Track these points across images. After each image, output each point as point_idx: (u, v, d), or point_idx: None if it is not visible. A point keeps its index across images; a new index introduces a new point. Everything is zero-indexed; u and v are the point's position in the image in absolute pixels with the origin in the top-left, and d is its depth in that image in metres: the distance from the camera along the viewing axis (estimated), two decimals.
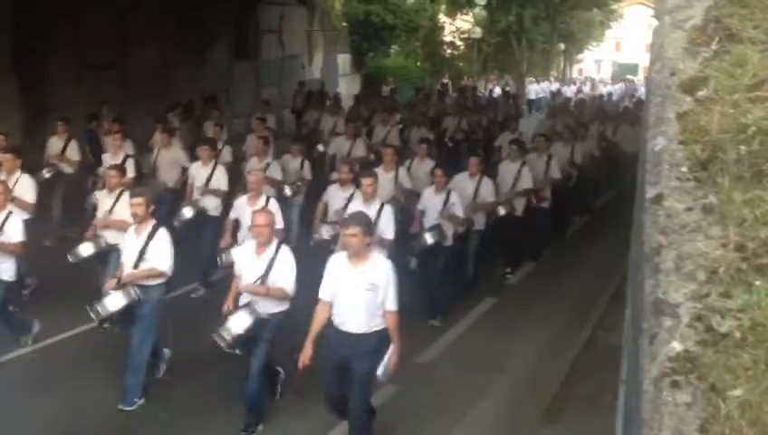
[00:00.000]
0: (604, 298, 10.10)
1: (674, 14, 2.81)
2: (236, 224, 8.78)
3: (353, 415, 6.07)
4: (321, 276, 6.18)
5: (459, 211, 9.36)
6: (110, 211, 8.43)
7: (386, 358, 5.85)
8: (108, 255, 8.39)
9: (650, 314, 1.86)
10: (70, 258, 8.41)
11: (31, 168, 9.95)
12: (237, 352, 6.66)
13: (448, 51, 38.25)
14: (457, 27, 38.97)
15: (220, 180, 10.16)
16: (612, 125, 17.91)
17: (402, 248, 9.01)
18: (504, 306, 10.04)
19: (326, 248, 8.45)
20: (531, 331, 9.23)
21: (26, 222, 8.17)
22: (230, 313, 6.53)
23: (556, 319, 9.66)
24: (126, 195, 8.06)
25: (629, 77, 47.02)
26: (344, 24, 27.59)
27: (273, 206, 8.32)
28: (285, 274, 6.54)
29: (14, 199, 8.38)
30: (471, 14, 38.69)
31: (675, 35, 2.71)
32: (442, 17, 37.69)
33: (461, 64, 38.21)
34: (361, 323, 5.88)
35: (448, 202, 9.29)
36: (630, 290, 3.31)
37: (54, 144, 11.70)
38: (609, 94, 34.87)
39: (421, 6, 31.22)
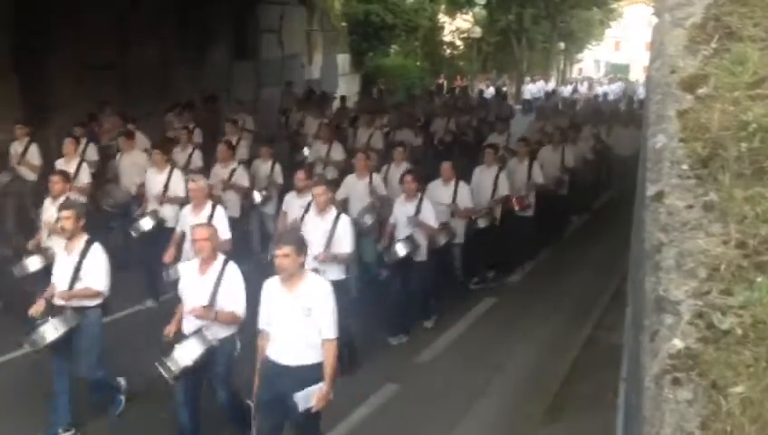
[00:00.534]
0: (604, 297, 10.09)
1: (674, 12, 2.82)
2: (184, 236, 7.99)
3: None
4: None
5: (431, 220, 8.67)
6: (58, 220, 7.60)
7: (313, 387, 5.19)
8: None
9: (651, 312, 1.86)
10: (15, 272, 7.82)
11: None
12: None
13: (448, 50, 38.25)
14: (457, 27, 38.99)
15: (178, 187, 9.34)
16: (606, 127, 17.37)
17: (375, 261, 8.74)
18: (503, 305, 10.03)
19: None
20: (531, 330, 9.22)
21: None
22: (176, 340, 5.92)
23: (556, 318, 9.65)
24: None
25: (622, 76, 46.63)
26: (344, 23, 27.57)
27: (219, 215, 7.81)
28: (234, 294, 5.91)
29: None
30: (471, 13, 38.72)
31: (675, 33, 2.71)
32: (442, 17, 37.68)
33: (461, 64, 38.20)
34: (299, 353, 5.25)
35: (420, 211, 8.65)
36: (631, 288, 3.31)
37: (15, 148, 11.17)
38: (606, 94, 33.75)
39: (421, 6, 31.19)
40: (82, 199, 9.41)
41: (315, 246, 7.14)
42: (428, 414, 7.07)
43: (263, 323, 5.42)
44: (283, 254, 5.16)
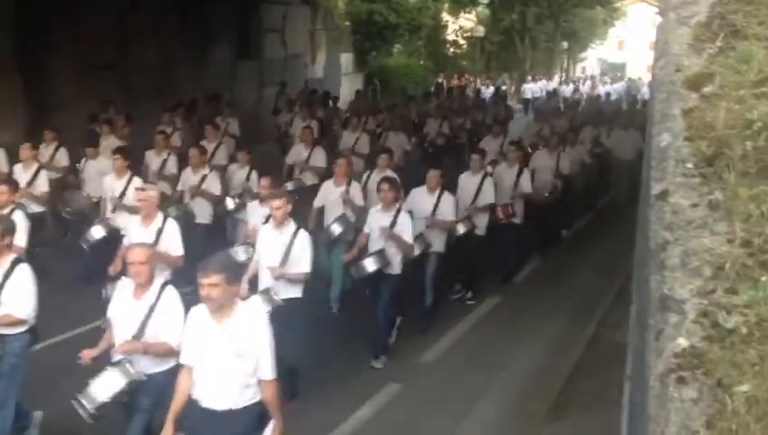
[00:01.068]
0: (608, 296, 10.08)
1: (678, 10, 2.81)
2: None
3: None
4: None
5: (407, 234, 7.97)
6: None
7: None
8: None
9: (656, 311, 1.86)
10: None
11: None
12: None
13: (451, 49, 38.25)
14: (460, 26, 38.98)
15: None
16: (607, 128, 16.61)
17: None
18: (506, 305, 10.02)
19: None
20: (534, 329, 9.22)
21: None
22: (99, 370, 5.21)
23: (559, 317, 9.64)
24: (17, 213, 7.23)
25: (620, 75, 46.23)
26: (347, 23, 27.59)
27: (171, 229, 7.16)
28: (169, 324, 5.20)
29: None
30: (474, 12, 38.72)
31: (680, 32, 2.70)
32: (445, 16, 37.72)
33: (464, 63, 38.21)
34: (227, 397, 4.54)
35: (396, 223, 7.98)
36: (636, 286, 3.30)
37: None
38: (608, 94, 32.76)
39: (424, 5, 31.21)
40: (39, 208, 9.27)
41: (270, 262, 6.83)
42: (431, 413, 7.07)
43: (186, 357, 4.71)
44: (210, 283, 4.43)
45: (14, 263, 5.69)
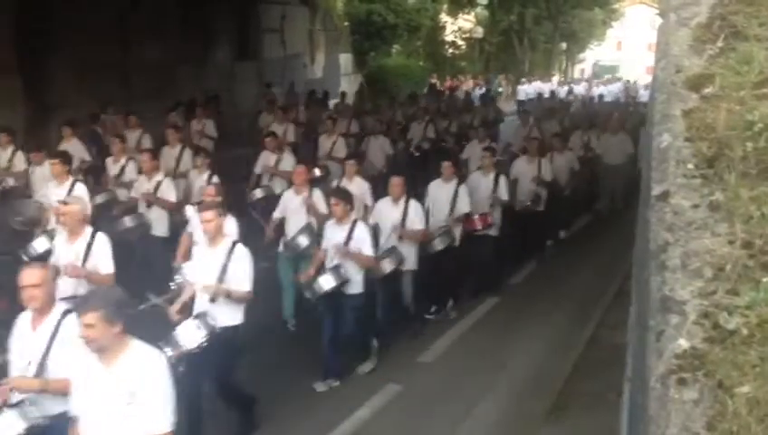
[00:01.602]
0: (607, 297, 10.07)
1: (679, 11, 2.81)
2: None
3: None
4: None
5: (367, 248, 7.45)
6: None
7: None
8: None
9: (657, 312, 1.86)
10: None
11: None
12: None
13: (450, 50, 38.29)
14: (459, 27, 39.03)
15: None
16: (597, 132, 15.64)
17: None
18: (505, 305, 10.01)
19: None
20: (533, 329, 9.21)
21: None
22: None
23: (558, 318, 9.64)
24: None
25: (611, 76, 45.62)
26: (346, 23, 27.63)
27: (100, 245, 6.33)
28: (71, 356, 4.47)
29: None
30: (473, 13, 38.75)
31: (680, 33, 2.70)
32: (444, 17, 37.78)
33: (462, 64, 38.25)
34: None
35: (352, 237, 7.43)
36: (636, 287, 3.30)
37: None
38: (601, 96, 30.70)
39: (423, 6, 31.25)
40: None
41: (205, 283, 6.19)
42: (430, 414, 7.07)
43: (74, 407, 4.12)
44: (86, 323, 3.89)
45: None
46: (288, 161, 11.04)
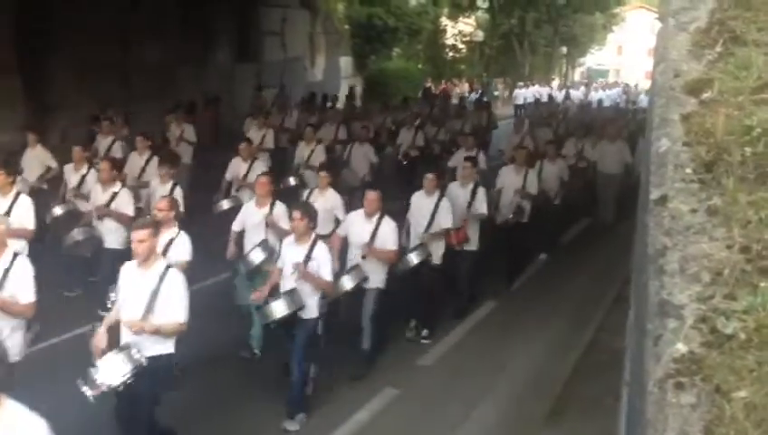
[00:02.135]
0: (605, 301, 10.08)
1: (678, 16, 2.81)
2: None
3: None
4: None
5: (325, 270, 6.77)
6: None
7: None
8: None
9: (655, 316, 1.86)
10: None
11: None
12: None
13: (450, 54, 38.33)
14: (459, 30, 39.07)
15: (22, 216, 7.56)
16: (593, 139, 14.98)
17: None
18: (504, 309, 10.02)
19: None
20: (531, 333, 9.22)
21: None
22: None
23: (557, 322, 9.64)
24: None
25: (603, 81, 45.16)
26: (347, 26, 27.65)
27: (19, 270, 5.62)
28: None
29: None
30: (473, 17, 38.80)
31: (679, 38, 2.71)
32: (444, 20, 37.79)
33: (463, 67, 38.29)
34: None
35: (311, 257, 6.75)
36: (634, 291, 3.31)
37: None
38: (600, 101, 29.30)
39: (423, 9, 31.30)
40: None
41: (132, 310, 5.56)
42: (429, 418, 7.07)
43: None
44: None
45: None
46: (259, 170, 10.18)
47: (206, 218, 9.66)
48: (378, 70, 29.49)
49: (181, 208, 8.69)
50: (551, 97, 29.67)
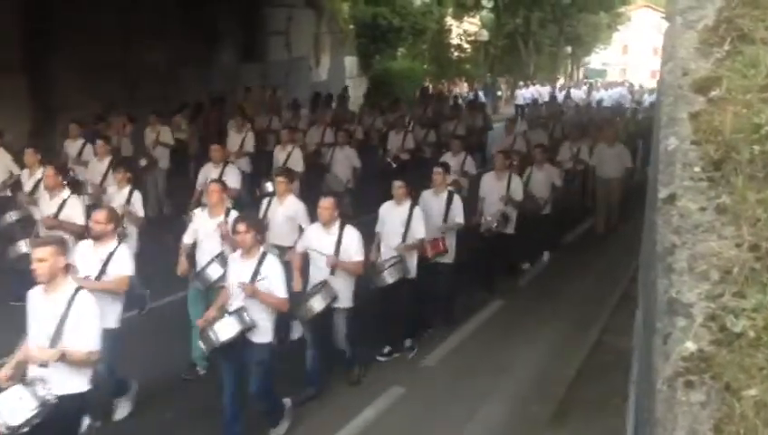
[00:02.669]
0: (610, 302, 10.07)
1: (685, 14, 2.81)
2: None
3: None
4: None
5: (278, 288, 6.15)
6: None
7: None
8: None
9: (664, 314, 1.86)
10: None
11: None
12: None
13: (455, 54, 38.31)
14: (464, 30, 39.03)
15: None
16: (591, 142, 14.14)
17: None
18: (509, 309, 10.00)
19: None
20: (536, 333, 9.20)
21: None
22: None
23: (562, 322, 9.62)
24: None
25: (596, 80, 44.35)
26: (351, 26, 27.65)
27: None
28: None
29: None
30: (478, 16, 38.77)
31: (687, 36, 2.70)
32: (449, 20, 37.77)
33: (467, 67, 38.27)
34: None
35: (258, 273, 6.15)
36: (642, 290, 3.30)
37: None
38: (600, 102, 27.79)
39: (428, 9, 31.28)
40: None
41: (40, 337, 4.94)
42: (434, 417, 7.07)
43: None
44: None
45: None
46: (232, 176, 9.85)
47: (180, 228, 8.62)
48: (382, 70, 29.48)
49: (140, 214, 8.53)
50: (553, 97, 28.08)
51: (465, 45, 38.70)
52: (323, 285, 7.02)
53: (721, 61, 2.54)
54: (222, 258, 7.08)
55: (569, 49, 44.96)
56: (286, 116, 16.64)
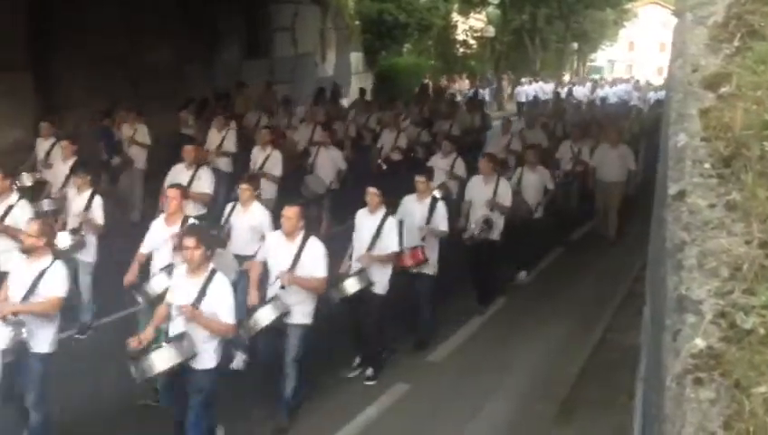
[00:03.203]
0: (615, 300, 10.05)
1: (695, 10, 2.80)
2: None
3: None
4: None
5: (224, 311, 5.59)
6: None
7: None
8: None
9: (673, 311, 1.85)
10: None
11: None
12: None
13: (461, 49, 38.25)
14: (470, 26, 38.96)
15: None
16: (592, 143, 13.34)
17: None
18: (514, 306, 9.99)
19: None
20: (542, 331, 9.19)
21: None
22: None
23: (567, 320, 9.61)
24: None
25: (595, 77, 43.71)
26: (357, 22, 27.61)
27: None
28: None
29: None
30: (484, 12, 38.67)
31: (696, 32, 2.69)
32: (455, 16, 37.69)
33: (473, 63, 38.20)
34: None
35: (205, 294, 5.58)
36: (650, 287, 3.30)
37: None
38: (603, 99, 26.48)
39: (434, 5, 31.19)
40: None
41: None
42: (439, 414, 7.07)
43: None
44: None
45: None
46: (205, 179, 9.14)
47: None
48: (388, 65, 29.43)
49: (100, 221, 7.94)
50: (557, 94, 26.77)
51: (471, 41, 38.63)
52: (275, 298, 6.48)
53: (731, 57, 2.53)
54: (170, 271, 6.44)
55: (575, 45, 44.81)
56: (279, 113, 15.98)
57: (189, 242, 5.61)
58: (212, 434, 5.97)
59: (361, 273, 7.23)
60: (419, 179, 8.37)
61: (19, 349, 5.49)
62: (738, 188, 2.06)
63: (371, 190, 7.62)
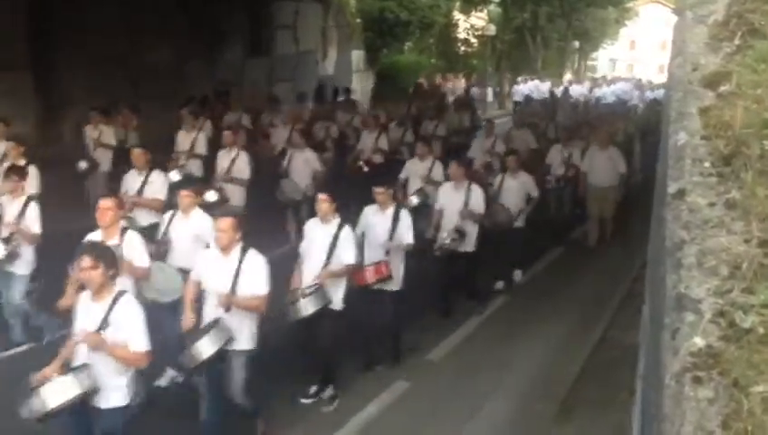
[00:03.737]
0: (615, 298, 10.06)
1: (695, 9, 2.80)
2: None
3: None
4: None
5: (135, 338, 4.93)
6: None
7: None
8: None
9: (672, 310, 1.85)
10: None
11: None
12: None
13: (462, 48, 38.21)
14: (472, 24, 38.91)
15: None
16: (583, 145, 12.75)
17: None
18: (515, 304, 10.00)
19: None
20: (542, 330, 9.19)
21: None
22: None
23: (567, 318, 9.61)
24: None
25: (598, 76, 43.09)
26: (358, 20, 27.58)
27: None
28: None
29: None
30: (485, 11, 38.62)
31: (697, 30, 2.69)
32: (456, 14, 37.64)
33: (474, 62, 38.18)
34: None
35: (109, 322, 4.91)
36: (649, 286, 3.29)
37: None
38: (599, 99, 25.79)
39: (435, 3, 31.13)
40: None
41: None
42: (439, 412, 7.07)
43: None
44: None
45: None
46: (157, 184, 8.49)
47: None
48: (389, 63, 29.42)
49: (34, 230, 7.25)
50: (552, 93, 26.00)
51: (473, 40, 38.59)
52: (215, 323, 5.77)
53: (731, 55, 2.53)
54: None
55: (576, 44, 44.78)
56: (266, 112, 15.34)
57: (86, 262, 4.88)
58: None
59: (318, 290, 6.61)
60: (378, 191, 7.60)
61: None
62: (738, 187, 2.06)
63: (321, 197, 6.95)
